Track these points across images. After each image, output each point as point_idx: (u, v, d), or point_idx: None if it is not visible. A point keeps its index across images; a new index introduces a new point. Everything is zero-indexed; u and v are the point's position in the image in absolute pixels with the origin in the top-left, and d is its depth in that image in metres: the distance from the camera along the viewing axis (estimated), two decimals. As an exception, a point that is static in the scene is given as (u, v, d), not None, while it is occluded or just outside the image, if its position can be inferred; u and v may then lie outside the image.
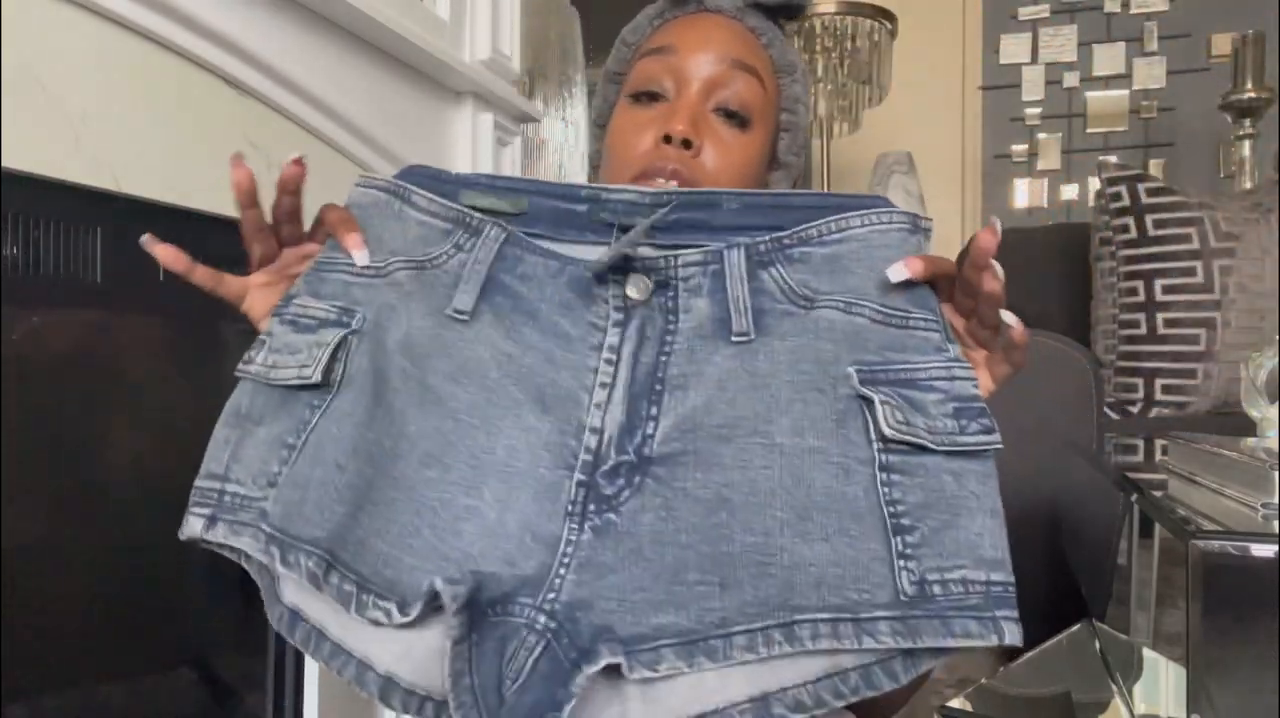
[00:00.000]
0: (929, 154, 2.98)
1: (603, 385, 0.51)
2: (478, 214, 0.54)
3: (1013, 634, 0.44)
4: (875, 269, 0.51)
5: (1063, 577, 1.62)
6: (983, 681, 0.98)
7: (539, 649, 0.44)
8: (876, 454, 0.48)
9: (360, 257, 0.54)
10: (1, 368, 0.71)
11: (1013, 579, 0.46)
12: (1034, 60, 3.14)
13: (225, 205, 0.89)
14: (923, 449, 0.47)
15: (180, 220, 0.86)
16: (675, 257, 0.52)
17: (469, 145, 1.28)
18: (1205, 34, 2.94)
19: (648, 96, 0.68)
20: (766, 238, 0.53)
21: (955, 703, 0.91)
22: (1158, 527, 1.03)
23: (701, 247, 0.53)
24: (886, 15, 2.23)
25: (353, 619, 0.47)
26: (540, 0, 1.72)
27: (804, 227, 0.53)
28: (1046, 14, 3.12)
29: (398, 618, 0.45)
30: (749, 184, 0.69)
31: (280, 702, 1.01)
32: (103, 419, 0.83)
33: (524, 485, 0.49)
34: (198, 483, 0.52)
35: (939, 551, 0.46)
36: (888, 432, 0.47)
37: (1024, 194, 3.13)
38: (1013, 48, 3.15)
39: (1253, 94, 2.40)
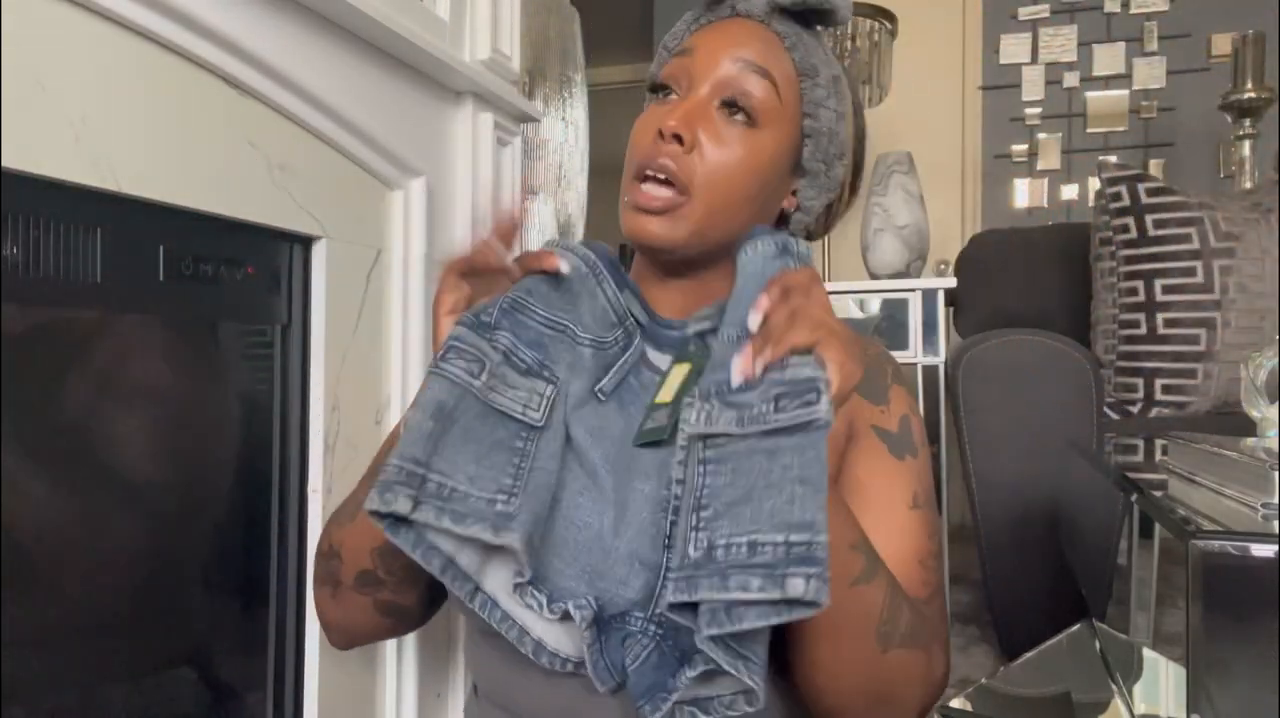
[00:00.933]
0: (929, 154, 2.98)
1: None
2: (631, 320, 0.72)
3: (801, 589, 0.48)
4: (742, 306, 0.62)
5: (1063, 577, 1.62)
6: (983, 681, 0.98)
7: (651, 647, 0.57)
8: (699, 451, 0.56)
9: (564, 266, 0.68)
10: (1, 368, 0.71)
11: (818, 538, 0.49)
12: (1034, 60, 3.14)
13: (225, 205, 0.90)
14: (730, 438, 0.55)
15: (180, 220, 0.86)
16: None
17: (469, 145, 1.28)
18: (1205, 34, 2.94)
19: (662, 92, 0.72)
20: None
21: (955, 703, 0.91)
22: (1158, 527, 1.03)
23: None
24: (886, 15, 2.23)
25: (514, 598, 0.60)
26: (540, 0, 1.72)
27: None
28: (1046, 14, 3.12)
29: (546, 615, 0.58)
30: (755, 183, 0.69)
31: (280, 702, 1.01)
32: (102, 419, 0.83)
33: (634, 523, 0.62)
34: (396, 462, 0.59)
35: (734, 520, 0.52)
36: (690, 429, 0.56)
37: (1024, 194, 3.13)
38: (1013, 48, 3.15)
39: (1253, 94, 2.40)
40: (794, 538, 0.49)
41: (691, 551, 0.52)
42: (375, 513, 0.58)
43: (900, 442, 0.71)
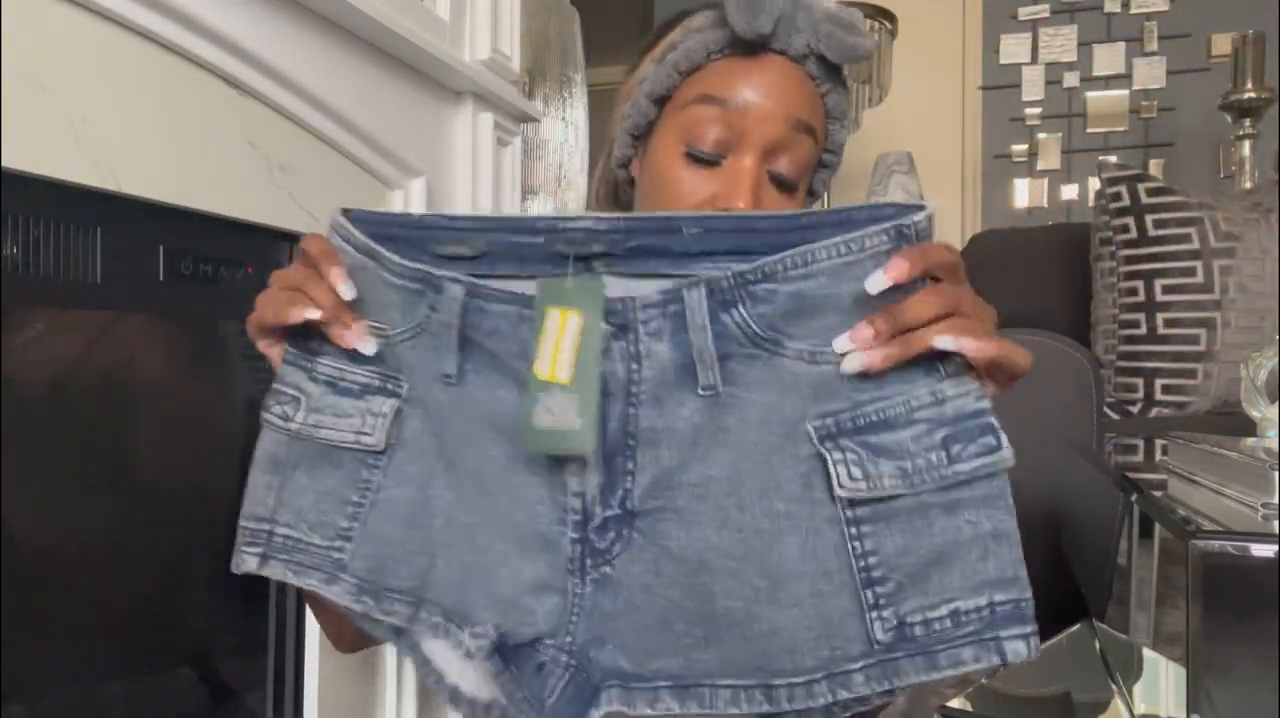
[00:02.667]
0: (929, 154, 2.98)
1: None
2: (437, 271, 0.52)
3: (1019, 651, 0.44)
4: (844, 307, 0.47)
5: (1063, 577, 1.62)
6: (983, 681, 0.98)
7: (566, 678, 0.50)
8: (842, 513, 0.46)
9: (344, 290, 0.53)
10: (1, 368, 0.71)
11: (1025, 595, 0.45)
12: (1034, 60, 3.13)
13: (225, 205, 0.90)
14: (896, 497, 0.46)
15: (180, 220, 0.86)
16: (633, 299, 0.49)
17: (469, 145, 1.28)
18: (1205, 34, 2.94)
19: (704, 159, 0.65)
20: (729, 273, 0.48)
21: (955, 703, 0.91)
22: (1158, 527, 1.03)
23: (665, 276, 0.50)
24: (886, 15, 2.23)
25: (433, 642, 0.54)
26: (540, 0, 1.71)
27: (766, 260, 0.48)
28: (1046, 14, 3.12)
29: (462, 650, 0.52)
30: None
31: (280, 702, 1.01)
32: (103, 419, 0.83)
33: (532, 542, 0.52)
34: (243, 523, 0.56)
35: (922, 590, 0.45)
36: (841, 492, 0.46)
37: (1024, 194, 3.13)
38: (1013, 48, 3.15)
39: (1253, 94, 2.40)
40: (998, 598, 0.45)
41: (880, 634, 0.45)
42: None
43: None
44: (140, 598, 0.87)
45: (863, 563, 0.46)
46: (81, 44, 0.74)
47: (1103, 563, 1.59)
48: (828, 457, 0.46)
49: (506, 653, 0.51)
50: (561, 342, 0.49)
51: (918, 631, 0.45)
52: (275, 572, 0.56)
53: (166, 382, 0.90)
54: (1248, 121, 2.44)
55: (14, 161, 0.68)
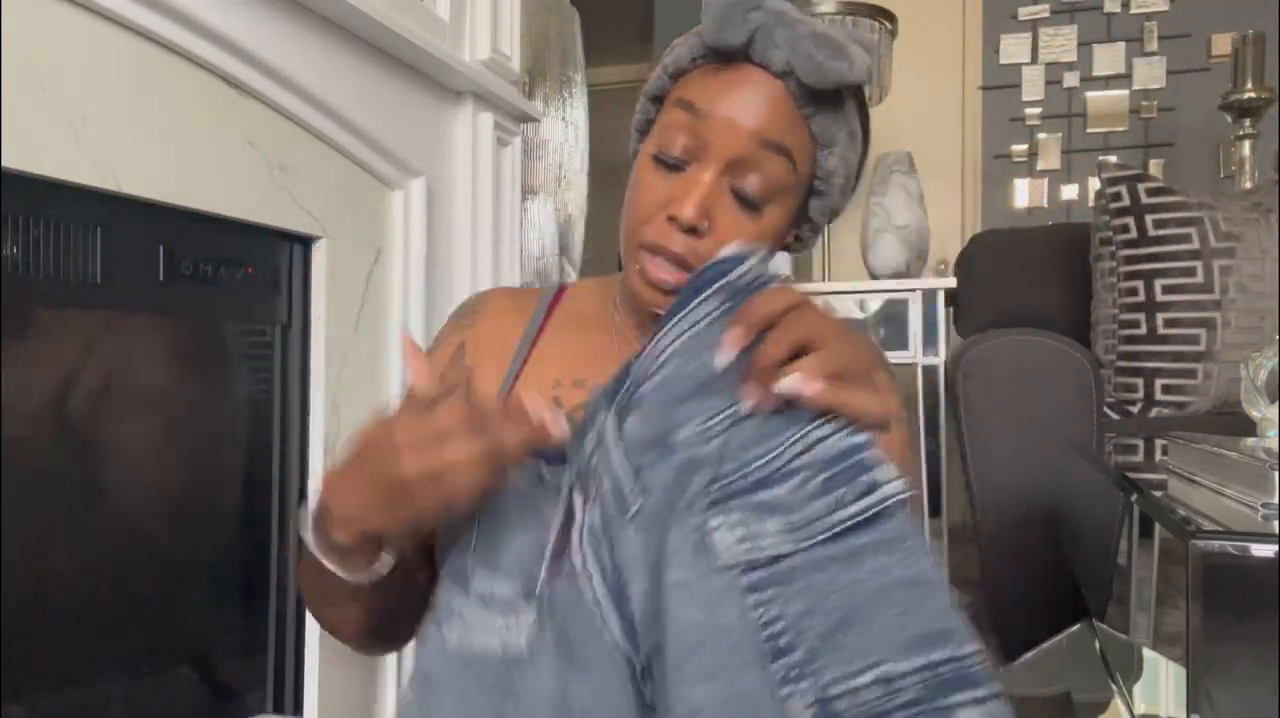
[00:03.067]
0: (929, 154, 2.98)
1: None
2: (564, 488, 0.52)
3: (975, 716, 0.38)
4: (709, 376, 0.46)
5: (1063, 577, 1.62)
6: (983, 681, 0.98)
7: None
8: (737, 580, 0.43)
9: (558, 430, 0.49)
10: (1, 368, 0.71)
11: (967, 648, 0.39)
12: (1034, 60, 3.13)
13: (225, 205, 0.90)
14: (784, 556, 0.42)
15: (180, 220, 0.86)
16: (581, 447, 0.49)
17: (469, 145, 1.28)
18: (1205, 34, 2.94)
19: (669, 164, 0.64)
20: (623, 385, 0.48)
21: (955, 703, 0.91)
22: (1158, 527, 1.03)
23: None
24: (886, 15, 2.23)
25: None
26: (540, 0, 1.71)
27: (634, 360, 0.47)
28: (1046, 14, 3.12)
29: None
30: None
31: (280, 702, 1.01)
32: (103, 418, 0.83)
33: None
34: None
35: (840, 657, 0.40)
36: (727, 558, 0.43)
37: (1024, 194, 3.13)
38: (1013, 48, 3.15)
39: (1253, 94, 2.40)
40: (936, 656, 0.39)
41: (800, 712, 0.40)
42: None
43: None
44: (140, 598, 0.86)
45: (767, 632, 0.42)
46: (81, 44, 0.74)
47: (1103, 563, 1.59)
48: (712, 522, 0.44)
49: None
50: None
51: (842, 705, 0.40)
52: None
53: (166, 381, 0.90)
54: (1248, 121, 2.44)
55: (14, 162, 0.68)
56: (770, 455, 0.44)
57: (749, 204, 0.63)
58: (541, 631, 0.48)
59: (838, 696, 0.40)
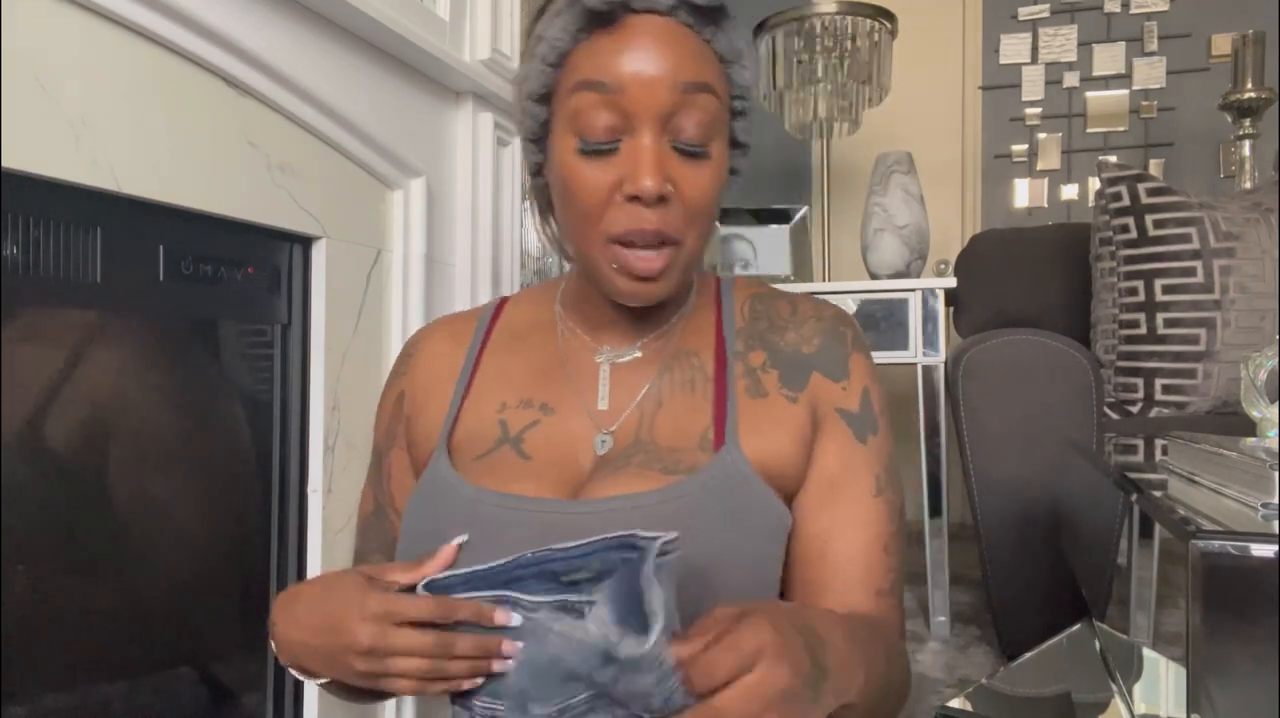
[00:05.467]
0: (929, 154, 2.98)
1: None
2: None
3: None
4: (572, 667, 0.53)
5: (1063, 577, 1.62)
6: (983, 681, 0.98)
7: None
8: None
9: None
10: (1, 368, 0.71)
11: None
12: (1034, 60, 3.13)
13: (225, 205, 0.90)
14: None
15: (180, 220, 0.86)
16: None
17: (469, 145, 1.28)
18: (1205, 34, 2.94)
19: (599, 150, 0.61)
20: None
21: (955, 703, 0.91)
22: (1158, 527, 1.03)
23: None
24: (886, 15, 2.23)
25: None
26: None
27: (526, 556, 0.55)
28: (1046, 14, 3.12)
29: None
30: (718, 192, 0.65)
31: (280, 702, 1.01)
32: (103, 419, 0.83)
33: None
34: None
35: None
36: None
37: (1024, 194, 3.13)
38: (1013, 48, 3.15)
39: (1253, 94, 2.40)
40: None
41: None
42: None
43: (863, 422, 0.70)
44: (141, 599, 0.86)
45: None
46: (81, 44, 0.74)
47: (1103, 563, 1.59)
48: None
49: None
50: None
51: None
52: None
53: (166, 381, 0.90)
54: (1248, 121, 2.44)
55: (14, 162, 0.68)
56: None
57: (695, 153, 0.62)
58: None
59: None
